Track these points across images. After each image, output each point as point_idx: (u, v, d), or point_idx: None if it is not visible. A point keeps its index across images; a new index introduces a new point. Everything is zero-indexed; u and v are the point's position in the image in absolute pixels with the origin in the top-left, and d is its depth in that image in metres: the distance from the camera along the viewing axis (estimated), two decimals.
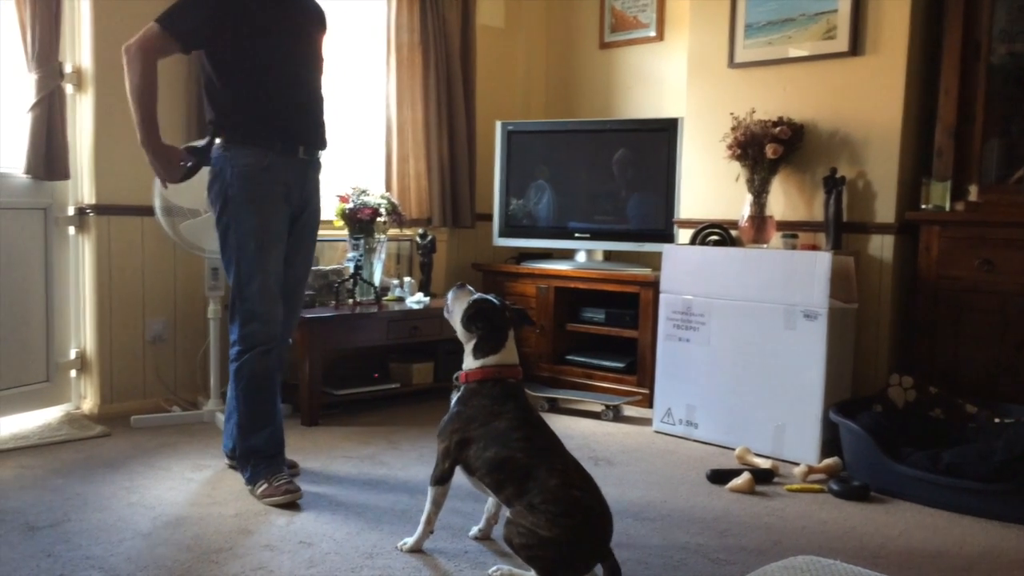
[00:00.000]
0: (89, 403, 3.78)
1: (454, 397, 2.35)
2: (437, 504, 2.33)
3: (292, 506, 2.66)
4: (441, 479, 2.30)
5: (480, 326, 2.32)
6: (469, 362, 2.33)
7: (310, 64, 2.84)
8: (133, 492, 2.77)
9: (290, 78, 2.72)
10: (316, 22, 2.89)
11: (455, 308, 2.39)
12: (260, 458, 2.77)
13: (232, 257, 2.73)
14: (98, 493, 2.75)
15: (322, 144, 2.87)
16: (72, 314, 3.78)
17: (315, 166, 2.88)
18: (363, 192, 4.14)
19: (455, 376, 2.37)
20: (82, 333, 3.79)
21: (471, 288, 2.43)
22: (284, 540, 2.41)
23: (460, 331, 2.37)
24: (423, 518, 2.34)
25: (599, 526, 2.10)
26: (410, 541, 2.35)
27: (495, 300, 2.37)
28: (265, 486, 2.71)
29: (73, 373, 3.80)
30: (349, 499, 2.76)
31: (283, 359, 2.94)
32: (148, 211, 3.60)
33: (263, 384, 2.79)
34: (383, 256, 4.25)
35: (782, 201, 3.77)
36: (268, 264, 2.72)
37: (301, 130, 2.78)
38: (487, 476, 2.19)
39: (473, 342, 2.33)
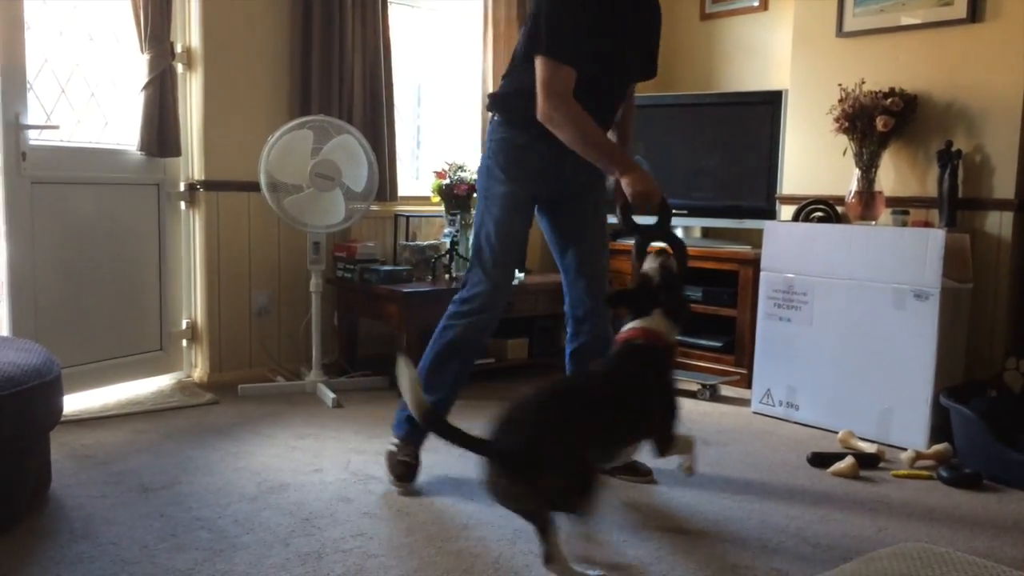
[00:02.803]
0: (199, 371, 3.94)
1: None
2: None
3: (401, 478, 2.63)
4: None
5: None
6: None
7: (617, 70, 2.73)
8: (240, 458, 2.88)
9: (587, 79, 2.57)
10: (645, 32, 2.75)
11: None
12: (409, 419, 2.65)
13: (480, 219, 2.71)
14: (207, 458, 2.87)
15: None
16: (183, 286, 3.94)
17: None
18: (459, 168, 4.16)
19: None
20: (193, 304, 3.94)
21: None
22: (383, 508, 2.46)
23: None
24: None
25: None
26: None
27: None
28: (393, 449, 2.70)
29: (184, 343, 3.96)
30: (445, 471, 2.80)
31: (601, 337, 2.76)
32: (254, 187, 3.71)
33: (461, 352, 2.66)
34: None
35: (892, 176, 3.62)
36: (509, 235, 2.67)
37: None
38: None
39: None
